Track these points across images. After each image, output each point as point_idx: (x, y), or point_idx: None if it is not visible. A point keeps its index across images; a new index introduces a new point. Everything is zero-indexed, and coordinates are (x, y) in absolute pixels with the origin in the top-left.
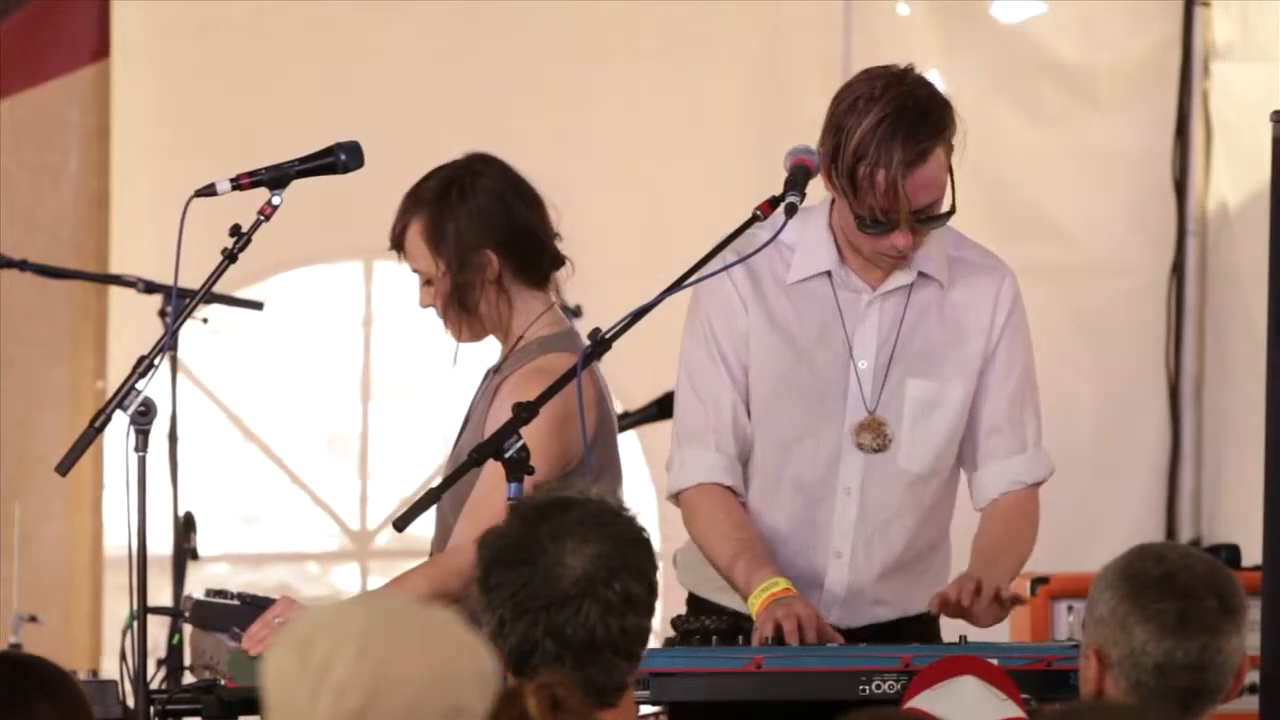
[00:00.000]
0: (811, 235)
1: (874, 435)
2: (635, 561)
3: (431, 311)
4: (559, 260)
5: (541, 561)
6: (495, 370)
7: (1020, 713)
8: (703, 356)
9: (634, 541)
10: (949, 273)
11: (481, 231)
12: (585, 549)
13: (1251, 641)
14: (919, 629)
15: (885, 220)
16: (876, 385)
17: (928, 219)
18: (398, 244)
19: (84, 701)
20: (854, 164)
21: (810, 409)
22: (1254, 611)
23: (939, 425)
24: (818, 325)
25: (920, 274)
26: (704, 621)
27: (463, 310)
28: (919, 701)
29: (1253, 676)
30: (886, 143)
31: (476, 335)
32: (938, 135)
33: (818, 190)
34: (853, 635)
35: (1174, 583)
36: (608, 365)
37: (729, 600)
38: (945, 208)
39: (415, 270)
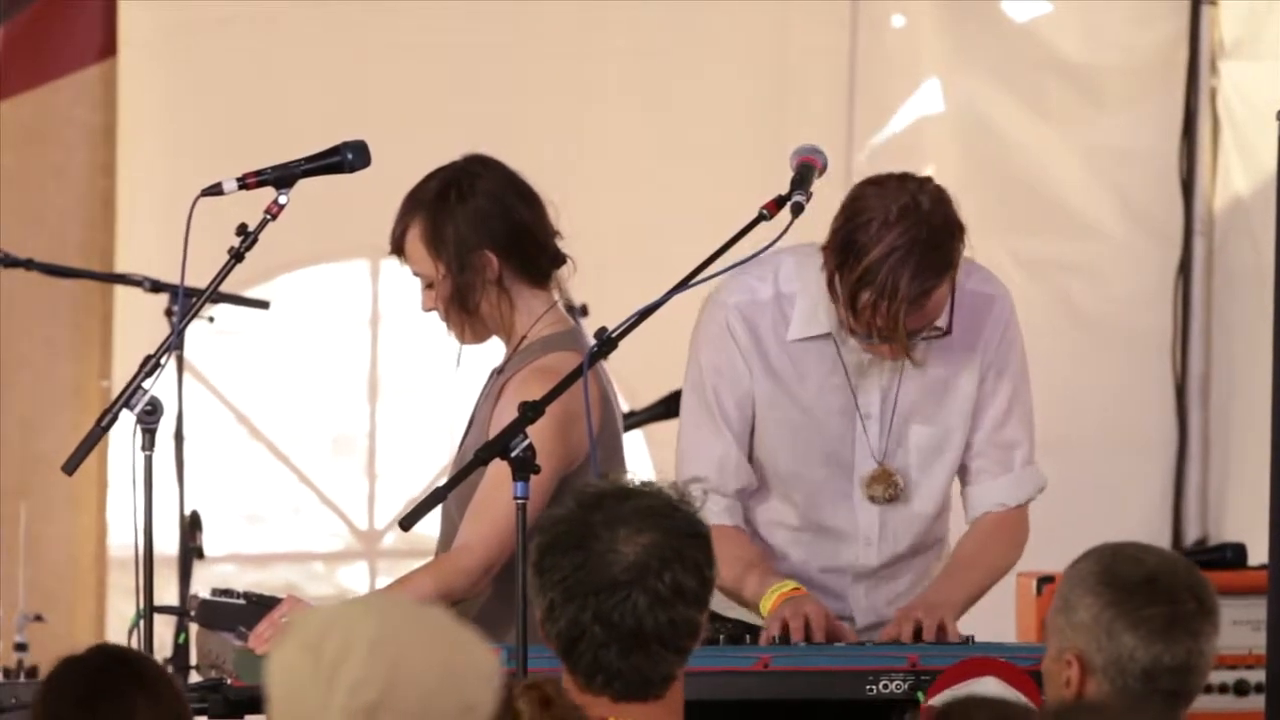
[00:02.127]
0: (810, 289)
1: (885, 486)
2: (689, 554)
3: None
4: (560, 259)
5: (594, 548)
6: (499, 371)
7: None
8: (700, 411)
9: (689, 535)
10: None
11: (480, 232)
12: (638, 538)
13: (1255, 640)
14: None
15: (879, 338)
16: (883, 436)
17: (921, 336)
18: (398, 248)
19: (182, 700)
20: (858, 287)
21: (821, 464)
22: (1258, 610)
23: (945, 465)
24: (821, 381)
25: None
26: (712, 625)
27: (464, 312)
28: (940, 701)
29: (1256, 675)
30: (894, 275)
31: (480, 336)
32: (945, 272)
33: (815, 210)
34: None
35: (1158, 587)
36: (614, 364)
37: (737, 613)
38: (943, 323)
39: (416, 274)
